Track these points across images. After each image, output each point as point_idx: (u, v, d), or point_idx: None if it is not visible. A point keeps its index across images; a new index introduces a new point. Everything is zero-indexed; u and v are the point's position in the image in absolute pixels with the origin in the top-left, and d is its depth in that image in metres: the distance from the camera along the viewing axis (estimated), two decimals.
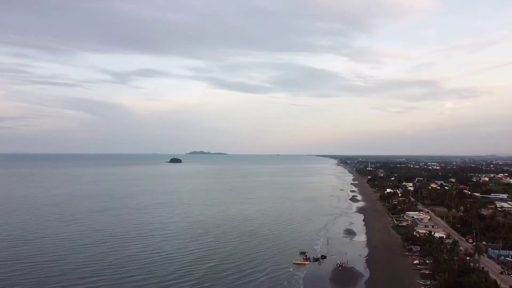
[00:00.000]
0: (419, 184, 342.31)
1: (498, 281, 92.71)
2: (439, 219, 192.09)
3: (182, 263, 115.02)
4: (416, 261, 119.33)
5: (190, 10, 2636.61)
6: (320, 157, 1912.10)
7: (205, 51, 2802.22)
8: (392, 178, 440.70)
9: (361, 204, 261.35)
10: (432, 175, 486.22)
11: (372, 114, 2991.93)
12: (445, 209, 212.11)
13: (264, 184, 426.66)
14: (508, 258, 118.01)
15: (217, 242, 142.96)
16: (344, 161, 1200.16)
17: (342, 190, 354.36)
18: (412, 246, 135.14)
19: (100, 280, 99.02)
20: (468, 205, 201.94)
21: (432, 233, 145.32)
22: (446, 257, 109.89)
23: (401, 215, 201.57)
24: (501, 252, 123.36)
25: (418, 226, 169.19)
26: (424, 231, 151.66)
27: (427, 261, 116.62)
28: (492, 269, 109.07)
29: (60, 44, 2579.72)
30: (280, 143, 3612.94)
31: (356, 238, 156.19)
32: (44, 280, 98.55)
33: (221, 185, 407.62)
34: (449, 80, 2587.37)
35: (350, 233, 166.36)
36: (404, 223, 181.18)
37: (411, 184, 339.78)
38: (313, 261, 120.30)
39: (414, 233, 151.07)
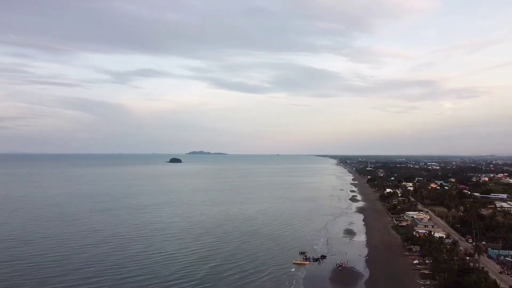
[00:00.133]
0: (419, 184, 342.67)
1: (498, 281, 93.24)
2: (439, 219, 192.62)
3: (184, 263, 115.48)
4: (416, 261, 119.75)
5: (190, 10, 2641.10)
6: (320, 157, 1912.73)
7: (205, 51, 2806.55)
8: (392, 178, 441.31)
9: (361, 204, 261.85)
10: (432, 175, 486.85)
11: (372, 114, 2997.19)
12: (445, 209, 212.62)
13: (264, 184, 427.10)
14: (507, 258, 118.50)
15: (219, 242, 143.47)
16: (344, 161, 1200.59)
17: (342, 190, 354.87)
18: (412, 246, 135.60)
19: (102, 280, 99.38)
20: (467, 205, 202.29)
21: (432, 233, 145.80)
22: (445, 257, 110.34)
23: (401, 215, 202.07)
24: (501, 252, 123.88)
25: (418, 226, 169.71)
26: (424, 231, 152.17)
27: (427, 261, 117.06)
28: (492, 269, 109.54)
29: (60, 44, 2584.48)
30: (280, 143, 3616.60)
31: (356, 238, 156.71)
32: (45, 280, 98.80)
33: (221, 185, 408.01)
34: (449, 80, 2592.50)
35: (350, 233, 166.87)
36: (404, 223, 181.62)
37: (411, 184, 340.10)
38: (313, 261, 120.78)
39: (414, 233, 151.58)
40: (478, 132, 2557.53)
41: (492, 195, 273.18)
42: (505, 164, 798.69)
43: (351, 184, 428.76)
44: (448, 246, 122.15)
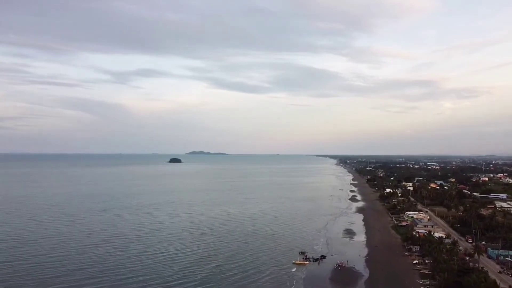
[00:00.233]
0: (419, 184, 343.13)
1: (498, 281, 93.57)
2: (438, 219, 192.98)
3: (186, 263, 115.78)
4: (415, 261, 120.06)
5: (190, 10, 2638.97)
6: (320, 157, 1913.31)
7: (205, 51, 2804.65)
8: (392, 178, 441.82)
9: (360, 204, 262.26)
10: (432, 175, 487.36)
11: (372, 114, 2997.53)
12: (445, 209, 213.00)
13: (264, 184, 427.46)
14: (507, 258, 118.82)
15: (220, 242, 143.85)
16: (343, 161, 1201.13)
17: (342, 190, 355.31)
18: (411, 246, 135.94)
19: (103, 280, 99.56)
20: (467, 205, 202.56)
21: (432, 233, 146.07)
22: (445, 257, 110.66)
23: (401, 215, 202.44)
24: (501, 252, 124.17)
25: (417, 226, 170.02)
26: (423, 231, 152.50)
27: (427, 261, 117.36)
28: (492, 269, 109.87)
29: (60, 44, 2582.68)
30: (280, 143, 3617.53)
31: (355, 238, 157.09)
32: (46, 281, 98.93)
33: (222, 185, 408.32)
34: (448, 80, 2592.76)
35: (350, 233, 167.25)
36: (404, 223, 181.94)
37: (410, 184, 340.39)
38: (313, 261, 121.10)
39: (414, 233, 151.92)
40: (478, 132, 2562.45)
41: (492, 195, 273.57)
42: (505, 164, 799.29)
43: (351, 184, 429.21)
44: (448, 246, 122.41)
